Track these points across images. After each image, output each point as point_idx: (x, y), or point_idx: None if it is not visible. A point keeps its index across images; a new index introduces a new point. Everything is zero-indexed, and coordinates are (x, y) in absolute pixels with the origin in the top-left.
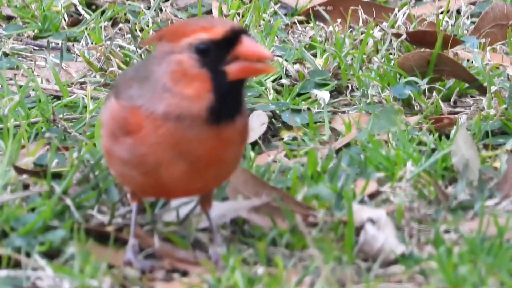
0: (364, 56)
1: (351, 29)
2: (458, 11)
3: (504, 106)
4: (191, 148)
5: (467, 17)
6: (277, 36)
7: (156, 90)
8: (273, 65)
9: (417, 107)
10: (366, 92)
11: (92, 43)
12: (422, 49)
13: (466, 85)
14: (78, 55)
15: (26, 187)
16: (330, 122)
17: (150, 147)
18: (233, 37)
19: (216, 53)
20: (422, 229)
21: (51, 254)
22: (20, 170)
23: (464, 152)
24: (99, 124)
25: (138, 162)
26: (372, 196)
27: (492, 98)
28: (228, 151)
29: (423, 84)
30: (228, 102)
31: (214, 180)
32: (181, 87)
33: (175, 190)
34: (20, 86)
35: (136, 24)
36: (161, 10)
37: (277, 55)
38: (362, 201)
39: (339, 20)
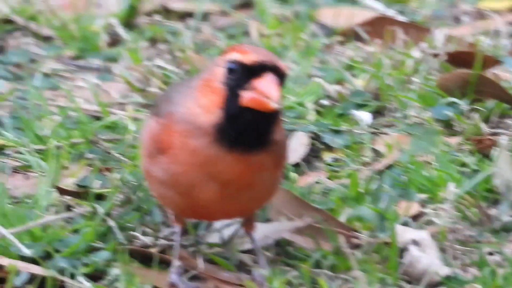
0: (404, 77)
1: (390, 50)
2: (497, 32)
3: None
4: (218, 170)
5: (507, 37)
6: (317, 57)
7: (188, 99)
8: (276, 106)
9: (457, 128)
10: (406, 113)
11: (131, 64)
12: (462, 70)
13: (507, 106)
14: (118, 76)
15: (69, 208)
16: (371, 143)
17: (181, 166)
18: (259, 69)
19: (240, 76)
20: (466, 250)
21: (95, 276)
22: (62, 191)
23: (506, 174)
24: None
25: (173, 182)
26: (415, 217)
27: None
28: (259, 176)
29: (464, 105)
30: (239, 126)
31: (251, 203)
32: (201, 96)
33: (212, 212)
34: (61, 107)
35: (175, 44)
36: (200, 30)
37: (317, 76)
38: (405, 223)
39: (378, 41)
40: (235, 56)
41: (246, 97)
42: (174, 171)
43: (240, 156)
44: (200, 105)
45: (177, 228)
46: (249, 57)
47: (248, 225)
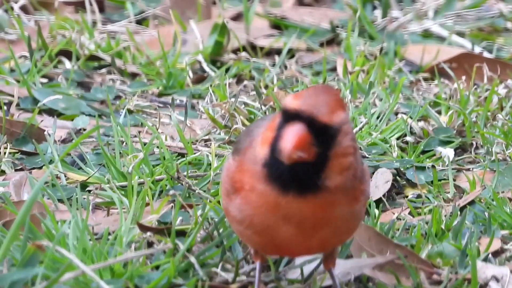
0: (489, 113)
1: (475, 86)
2: None
3: None
4: (289, 212)
5: None
6: (402, 93)
7: (259, 137)
8: (287, 157)
9: None
10: (490, 150)
11: (216, 100)
12: None
13: None
14: (203, 112)
15: (150, 244)
16: (454, 180)
17: (253, 208)
18: (295, 116)
19: (284, 118)
20: None
21: None
22: (144, 228)
23: None
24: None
25: (249, 222)
26: (496, 254)
27: None
28: (332, 213)
29: None
30: (279, 167)
31: (330, 238)
32: (263, 134)
33: (291, 249)
34: (145, 144)
35: (261, 81)
36: (285, 67)
37: (402, 112)
38: (486, 259)
39: (463, 77)
40: (287, 100)
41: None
42: (248, 212)
43: (302, 198)
44: (260, 142)
45: (257, 264)
46: (293, 103)
47: (328, 261)
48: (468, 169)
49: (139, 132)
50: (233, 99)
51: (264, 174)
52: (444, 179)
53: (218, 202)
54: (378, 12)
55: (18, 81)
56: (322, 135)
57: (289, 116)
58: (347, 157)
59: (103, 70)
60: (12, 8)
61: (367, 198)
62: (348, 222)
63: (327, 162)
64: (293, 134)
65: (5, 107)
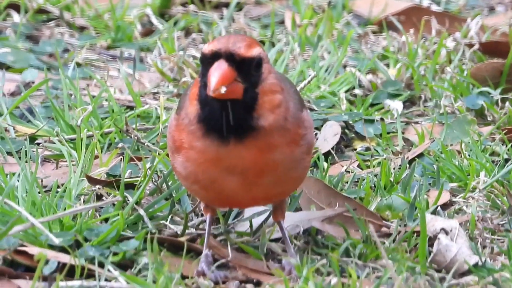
0: (437, 67)
1: (424, 39)
2: None
3: None
4: (232, 163)
5: None
6: (350, 46)
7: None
8: (214, 92)
9: (490, 118)
10: (439, 103)
11: (165, 53)
12: (495, 59)
13: None
14: (151, 65)
15: (99, 197)
16: (403, 133)
17: (196, 165)
18: (215, 57)
19: (204, 66)
20: (495, 239)
21: (125, 265)
22: (93, 181)
23: None
24: None
25: (194, 178)
26: (445, 206)
27: None
28: (272, 158)
29: (496, 94)
30: (209, 114)
31: (275, 187)
32: (191, 90)
33: (239, 200)
34: (93, 97)
35: (209, 34)
36: (233, 20)
37: (350, 65)
38: (435, 212)
39: (412, 30)
40: (203, 48)
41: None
42: (191, 169)
43: (241, 144)
44: (189, 99)
45: (207, 217)
46: (209, 46)
47: (277, 213)
48: (417, 122)
49: (88, 85)
50: (181, 52)
51: (200, 129)
52: (393, 132)
53: (167, 155)
54: None
55: None
56: (245, 69)
57: (209, 60)
58: (275, 94)
59: (52, 23)
60: None
61: (310, 146)
62: (291, 170)
63: (256, 100)
64: (215, 70)
65: None
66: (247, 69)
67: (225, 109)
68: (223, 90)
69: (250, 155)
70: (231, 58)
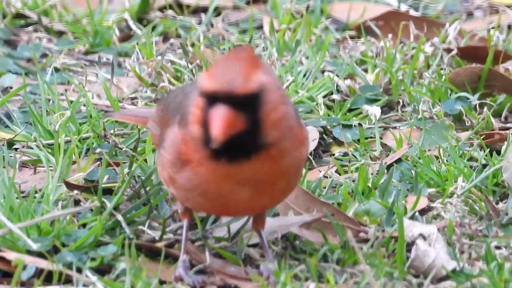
0: (415, 72)
1: (402, 44)
2: (510, 26)
3: None
4: (244, 177)
5: None
6: (328, 51)
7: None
8: (218, 141)
9: (468, 123)
10: (417, 108)
11: (143, 58)
12: (473, 65)
13: None
14: (129, 70)
15: (77, 202)
16: (381, 138)
17: (207, 181)
18: (215, 98)
19: (205, 100)
20: (473, 244)
21: (102, 270)
22: (71, 186)
23: None
24: (149, 139)
25: (201, 190)
26: (423, 211)
27: None
28: (284, 165)
29: (474, 99)
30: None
31: (280, 195)
32: (193, 110)
33: (245, 210)
34: (71, 102)
35: (187, 39)
36: (212, 25)
37: (329, 70)
38: (413, 217)
39: (390, 35)
40: (201, 80)
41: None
42: (200, 182)
43: (251, 160)
44: (192, 121)
45: (185, 222)
46: (208, 84)
47: (258, 223)
48: (395, 127)
49: (66, 90)
50: (159, 57)
51: (208, 152)
52: (371, 137)
53: (145, 160)
54: None
55: None
56: (246, 104)
57: (209, 97)
58: (279, 108)
59: (30, 28)
60: None
61: (309, 143)
62: (298, 172)
63: (259, 124)
64: (218, 118)
65: None
66: (249, 102)
67: (228, 140)
68: (226, 136)
69: (263, 167)
70: (231, 99)
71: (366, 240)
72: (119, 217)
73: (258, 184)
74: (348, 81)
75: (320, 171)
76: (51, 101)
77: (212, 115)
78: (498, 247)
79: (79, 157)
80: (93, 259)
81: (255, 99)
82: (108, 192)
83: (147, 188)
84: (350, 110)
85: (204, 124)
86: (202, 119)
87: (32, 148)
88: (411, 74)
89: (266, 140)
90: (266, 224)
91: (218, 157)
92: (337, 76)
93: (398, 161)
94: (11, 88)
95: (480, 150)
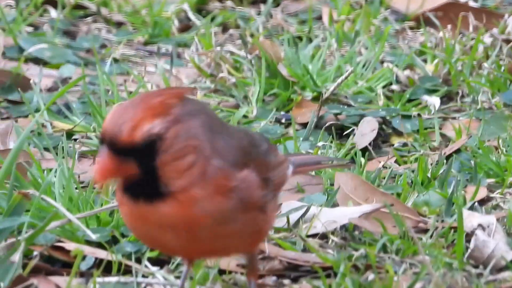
0: (474, 62)
1: (461, 35)
2: None
3: None
4: (160, 220)
5: None
6: (388, 42)
7: None
8: (98, 184)
9: None
10: (476, 98)
11: (202, 49)
12: None
13: None
14: (188, 61)
15: None
16: (440, 128)
17: (131, 222)
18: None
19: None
20: None
21: (162, 260)
22: None
23: None
24: None
25: (134, 232)
26: (482, 202)
27: None
28: (193, 210)
29: None
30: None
31: (212, 244)
32: None
33: (186, 255)
34: (130, 92)
35: (246, 29)
36: (271, 15)
37: (388, 61)
38: (472, 207)
39: (449, 26)
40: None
41: None
42: (128, 224)
43: (158, 203)
44: None
45: (184, 267)
46: (103, 125)
47: (248, 271)
48: (454, 118)
49: (125, 81)
50: (218, 48)
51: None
52: (430, 128)
53: None
54: None
55: (3, 30)
56: (135, 151)
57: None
58: (183, 158)
59: (89, 19)
60: None
61: (251, 202)
62: (228, 224)
63: (155, 173)
64: (98, 162)
65: None
66: (136, 150)
67: (126, 184)
68: (103, 182)
69: (172, 211)
70: (114, 145)
71: (425, 231)
72: None
73: (175, 229)
74: (407, 72)
75: (380, 162)
76: (110, 92)
77: (99, 157)
78: None
79: None
80: (152, 250)
81: (149, 147)
82: None
83: None
84: (409, 100)
85: None
86: None
87: (91, 139)
88: (470, 65)
89: (167, 188)
90: (325, 214)
91: (133, 199)
92: (396, 66)
93: (457, 151)
94: (70, 78)
95: None
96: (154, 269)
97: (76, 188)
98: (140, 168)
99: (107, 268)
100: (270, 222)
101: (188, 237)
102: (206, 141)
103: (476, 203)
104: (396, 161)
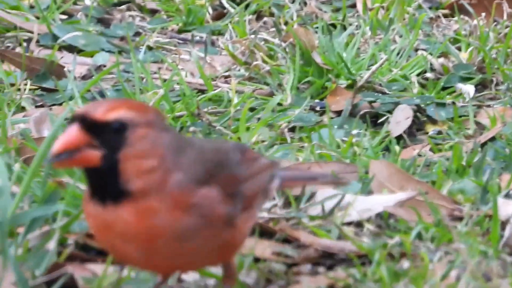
0: (509, 50)
1: (495, 23)
2: None
3: None
4: (118, 228)
5: None
6: (422, 30)
7: None
8: (50, 159)
9: None
10: (510, 86)
11: (236, 37)
12: None
13: None
14: (223, 49)
15: None
16: (475, 116)
17: (94, 230)
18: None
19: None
20: None
21: None
22: None
23: None
24: (243, 118)
25: (100, 244)
26: None
27: None
28: (151, 221)
29: None
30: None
31: (179, 258)
32: None
33: (151, 268)
34: (165, 80)
35: (280, 17)
36: (305, 3)
37: (422, 49)
38: (507, 195)
39: (483, 14)
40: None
41: None
42: (95, 235)
43: (119, 207)
44: None
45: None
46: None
47: (224, 278)
48: (489, 106)
49: (159, 68)
50: (253, 36)
51: (88, 194)
52: (465, 116)
53: (239, 138)
54: None
55: (37, 18)
56: (102, 134)
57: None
58: (146, 160)
59: (123, 7)
60: None
61: (210, 215)
62: (188, 241)
63: (117, 166)
64: (63, 134)
65: (25, 44)
66: (105, 133)
67: (88, 177)
68: (62, 156)
69: (131, 218)
70: (84, 121)
71: (460, 219)
72: None
73: (135, 240)
74: (441, 60)
75: (414, 149)
76: (144, 80)
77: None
78: None
79: None
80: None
81: (114, 134)
82: None
83: None
84: (443, 88)
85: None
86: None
87: None
88: (504, 53)
89: (127, 186)
90: (359, 202)
91: (99, 202)
92: (431, 54)
93: (492, 139)
94: (104, 66)
95: None
96: None
97: None
98: (103, 159)
99: None
100: (242, 234)
101: (149, 249)
102: (171, 155)
103: (511, 191)
104: (430, 149)
